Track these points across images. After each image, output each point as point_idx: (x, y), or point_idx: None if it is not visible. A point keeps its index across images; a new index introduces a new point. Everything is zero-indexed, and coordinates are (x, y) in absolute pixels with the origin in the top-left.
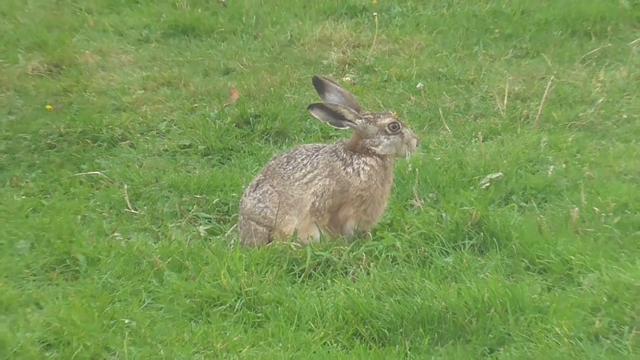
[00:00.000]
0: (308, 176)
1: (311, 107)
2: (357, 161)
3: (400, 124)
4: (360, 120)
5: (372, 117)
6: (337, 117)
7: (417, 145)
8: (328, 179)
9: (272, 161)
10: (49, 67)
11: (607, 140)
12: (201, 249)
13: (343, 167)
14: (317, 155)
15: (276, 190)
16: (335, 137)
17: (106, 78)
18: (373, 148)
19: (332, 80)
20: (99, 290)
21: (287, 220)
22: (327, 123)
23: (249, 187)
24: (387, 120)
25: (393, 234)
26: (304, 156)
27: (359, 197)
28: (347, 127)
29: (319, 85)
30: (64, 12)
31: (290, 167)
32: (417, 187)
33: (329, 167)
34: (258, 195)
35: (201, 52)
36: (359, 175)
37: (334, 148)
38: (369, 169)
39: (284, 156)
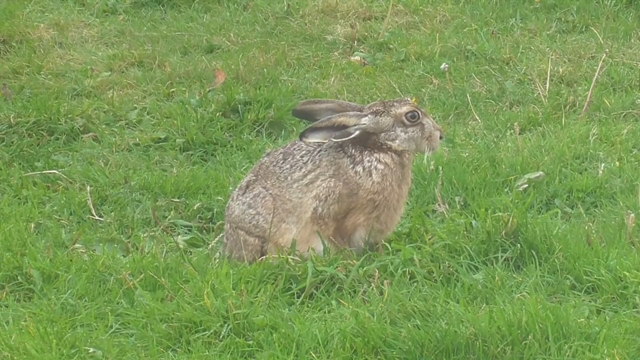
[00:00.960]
0: (309, 176)
1: (302, 135)
2: (368, 158)
3: (420, 112)
4: (366, 117)
5: (382, 107)
6: (339, 128)
7: (440, 139)
8: (333, 179)
9: (265, 158)
10: None
11: None
12: (180, 263)
13: (351, 166)
14: (319, 151)
15: (270, 194)
16: None
17: (65, 57)
18: (389, 143)
19: (315, 101)
20: (57, 312)
21: (284, 230)
22: (333, 140)
23: (237, 189)
24: (404, 109)
25: (411, 245)
26: (303, 152)
27: (371, 201)
28: (358, 133)
29: (303, 115)
30: None
31: (288, 166)
32: (440, 189)
33: (334, 166)
34: (248, 199)
35: (179, 26)
36: (370, 176)
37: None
38: (382, 167)
39: (279, 152)
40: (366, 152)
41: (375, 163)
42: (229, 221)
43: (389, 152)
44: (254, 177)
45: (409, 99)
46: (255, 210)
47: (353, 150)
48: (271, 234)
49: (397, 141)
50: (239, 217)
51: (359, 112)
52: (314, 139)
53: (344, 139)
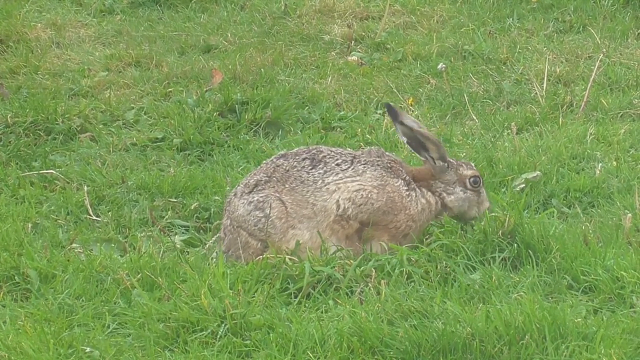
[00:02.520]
0: (344, 180)
1: (397, 116)
2: (419, 191)
3: (481, 180)
4: (442, 163)
5: (454, 162)
6: (420, 145)
7: (486, 211)
8: (376, 191)
9: (282, 160)
10: None
11: None
12: (177, 263)
13: (405, 188)
14: (363, 163)
15: (281, 200)
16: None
17: (62, 57)
18: (444, 195)
19: (413, 120)
20: (54, 312)
21: (291, 236)
22: (405, 142)
23: (241, 185)
24: (469, 173)
25: (408, 245)
26: (339, 160)
27: (408, 227)
28: (423, 160)
29: (392, 111)
30: None
31: (320, 171)
32: None
33: (379, 180)
34: (256, 199)
35: (176, 26)
36: (417, 204)
37: (388, 164)
38: (424, 202)
39: (302, 157)
40: (415, 185)
41: (421, 197)
42: (230, 218)
43: (437, 198)
44: (266, 178)
45: (472, 163)
46: (263, 213)
47: (408, 178)
48: (277, 240)
49: (452, 197)
50: (243, 217)
51: (445, 154)
52: (400, 129)
53: (413, 151)
